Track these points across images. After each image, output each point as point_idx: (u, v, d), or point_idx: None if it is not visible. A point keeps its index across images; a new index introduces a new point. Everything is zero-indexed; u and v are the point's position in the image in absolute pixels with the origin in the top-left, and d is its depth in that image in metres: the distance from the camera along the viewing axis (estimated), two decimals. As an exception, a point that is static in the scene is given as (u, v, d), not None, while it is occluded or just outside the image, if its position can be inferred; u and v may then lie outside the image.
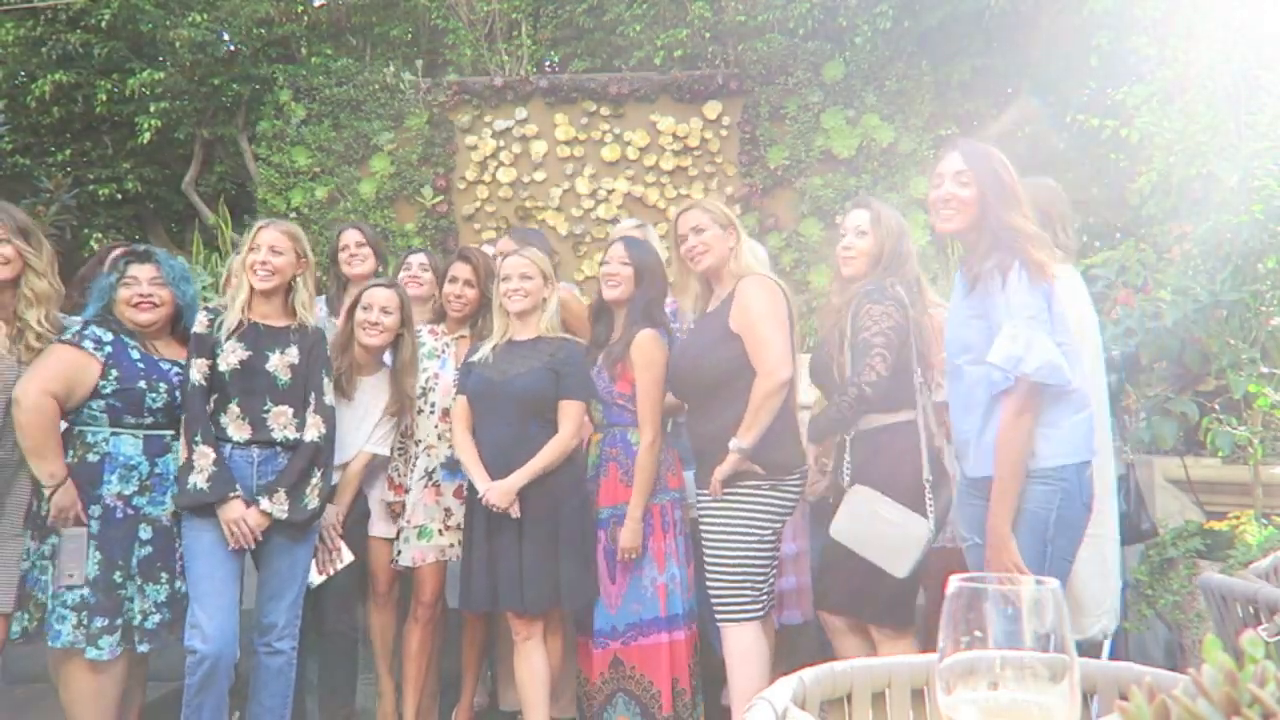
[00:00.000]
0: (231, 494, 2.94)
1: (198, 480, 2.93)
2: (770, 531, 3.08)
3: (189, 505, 2.95)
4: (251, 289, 3.12)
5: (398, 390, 3.46)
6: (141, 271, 3.09)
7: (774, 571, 3.15)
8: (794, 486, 3.10)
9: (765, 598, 3.09)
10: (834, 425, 3.04)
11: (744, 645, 3.03)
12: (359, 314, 3.42)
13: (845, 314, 3.00)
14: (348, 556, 3.35)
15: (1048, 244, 2.56)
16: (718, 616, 3.08)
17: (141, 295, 3.06)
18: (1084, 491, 2.52)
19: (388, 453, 3.52)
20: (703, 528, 3.14)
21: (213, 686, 2.90)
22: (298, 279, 3.19)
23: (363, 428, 3.44)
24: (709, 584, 3.10)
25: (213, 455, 2.95)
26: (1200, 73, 4.49)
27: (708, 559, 3.11)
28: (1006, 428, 2.46)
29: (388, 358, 3.53)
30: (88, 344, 2.98)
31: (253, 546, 3.00)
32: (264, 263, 3.09)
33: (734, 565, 3.04)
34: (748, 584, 3.04)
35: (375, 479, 3.58)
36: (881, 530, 2.82)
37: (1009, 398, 2.44)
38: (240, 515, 2.95)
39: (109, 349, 3.00)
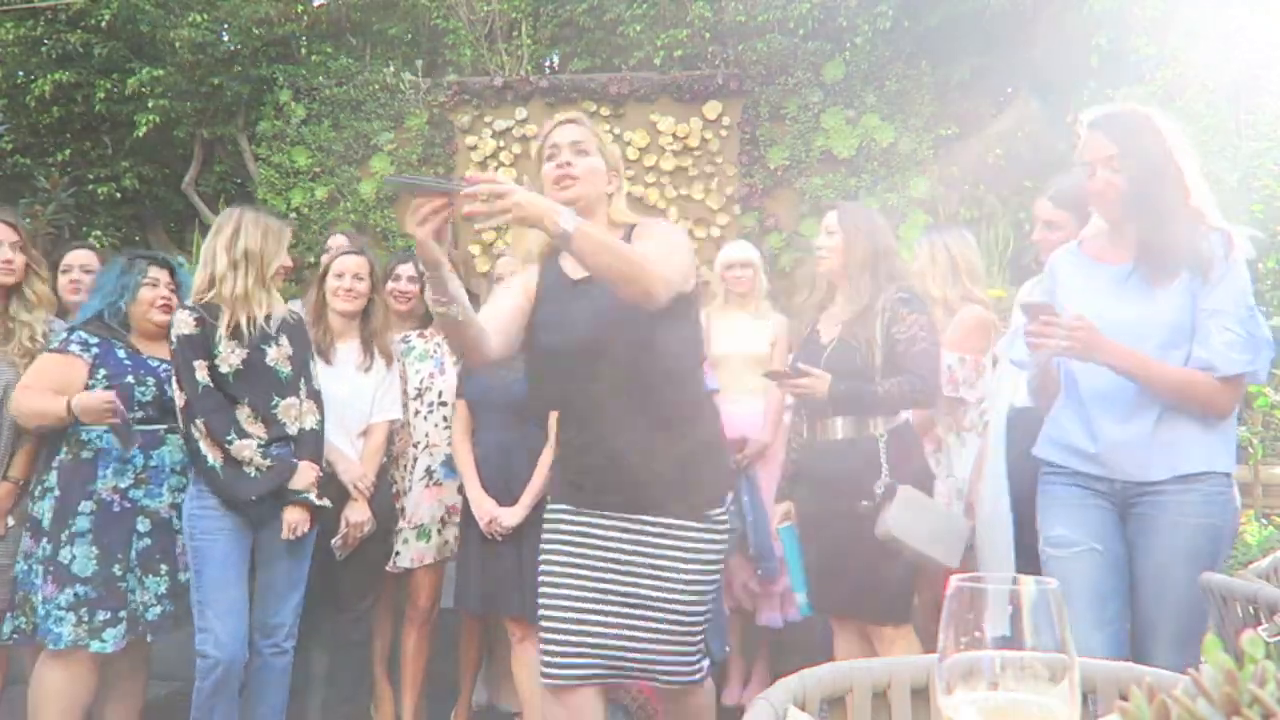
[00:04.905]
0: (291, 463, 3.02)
1: (255, 469, 2.94)
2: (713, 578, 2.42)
3: (264, 491, 2.94)
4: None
5: (379, 350, 3.48)
6: (161, 275, 3.20)
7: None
8: (722, 521, 2.43)
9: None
10: (880, 403, 2.86)
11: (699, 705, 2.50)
12: (331, 281, 3.46)
13: (873, 318, 2.93)
14: (367, 524, 3.32)
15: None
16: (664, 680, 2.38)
17: (164, 297, 3.17)
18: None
19: (401, 415, 3.50)
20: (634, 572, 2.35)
21: (225, 691, 2.91)
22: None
23: (364, 394, 3.41)
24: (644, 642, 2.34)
25: (254, 444, 2.97)
26: (1200, 72, 4.49)
27: (642, 613, 2.33)
28: None
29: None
30: (74, 348, 3.02)
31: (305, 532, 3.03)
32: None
33: (673, 620, 2.33)
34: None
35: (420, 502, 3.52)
36: (935, 522, 2.84)
37: None
38: (318, 474, 3.03)
39: (95, 350, 3.04)
